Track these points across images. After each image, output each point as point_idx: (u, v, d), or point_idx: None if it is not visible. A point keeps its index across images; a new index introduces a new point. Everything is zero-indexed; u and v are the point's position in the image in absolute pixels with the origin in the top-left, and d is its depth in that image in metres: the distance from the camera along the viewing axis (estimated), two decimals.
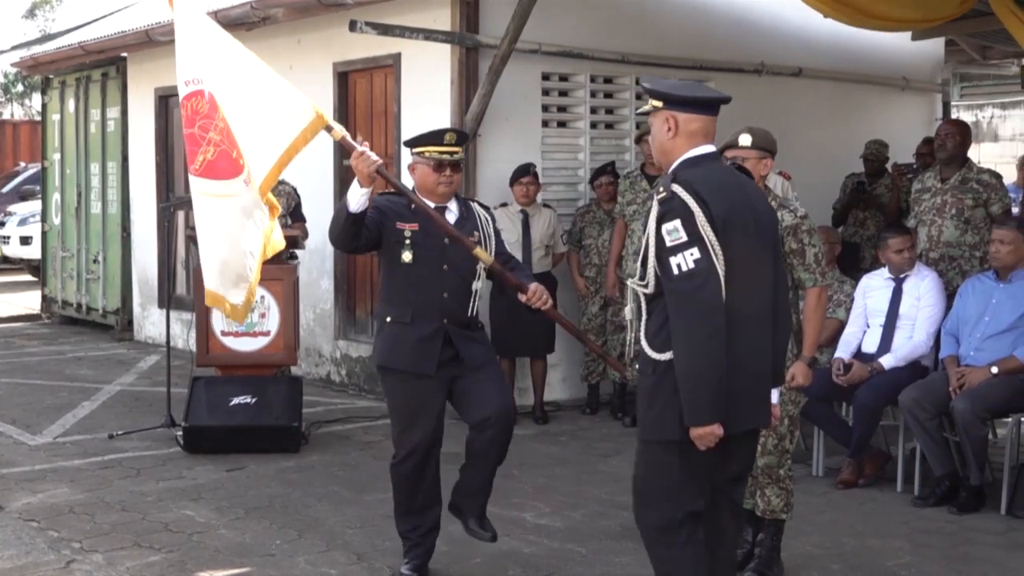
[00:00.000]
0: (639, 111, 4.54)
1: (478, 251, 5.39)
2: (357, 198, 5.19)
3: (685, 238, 4.03)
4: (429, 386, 5.43)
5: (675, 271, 4.05)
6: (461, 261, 5.47)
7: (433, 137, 5.47)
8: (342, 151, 10.46)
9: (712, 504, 4.40)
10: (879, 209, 10.41)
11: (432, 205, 5.42)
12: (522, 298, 5.40)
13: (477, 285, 5.56)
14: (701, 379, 4.02)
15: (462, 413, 5.53)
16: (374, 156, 5.15)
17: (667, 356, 4.11)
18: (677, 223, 4.05)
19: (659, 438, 4.22)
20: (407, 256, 5.39)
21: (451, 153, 5.43)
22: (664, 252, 4.08)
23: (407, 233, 5.39)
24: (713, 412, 4.05)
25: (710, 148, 4.29)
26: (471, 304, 5.55)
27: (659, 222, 4.10)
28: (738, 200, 4.19)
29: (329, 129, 5.20)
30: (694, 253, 4.02)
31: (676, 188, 4.09)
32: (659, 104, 4.28)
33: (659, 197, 4.15)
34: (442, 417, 5.53)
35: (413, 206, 5.37)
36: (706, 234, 4.03)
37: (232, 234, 5.40)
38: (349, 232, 5.32)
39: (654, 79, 4.56)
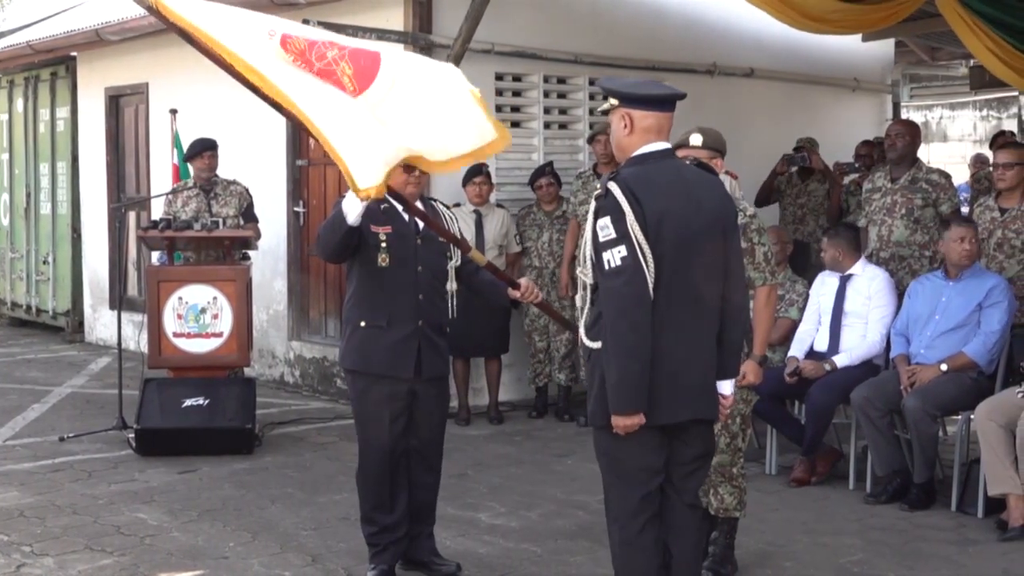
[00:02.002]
0: (600, 109, 4.63)
1: (474, 253, 5.41)
2: (355, 211, 5.15)
3: (614, 235, 4.19)
4: (400, 389, 5.42)
5: (606, 266, 4.21)
6: (434, 262, 5.48)
7: None
8: (295, 151, 10.51)
9: (666, 501, 4.48)
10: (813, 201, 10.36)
11: (400, 206, 5.38)
12: (515, 294, 5.44)
13: (451, 286, 5.56)
14: (623, 370, 4.18)
15: (408, 438, 5.59)
16: None
17: (598, 345, 4.28)
18: (608, 220, 4.21)
19: (595, 424, 4.39)
20: (383, 259, 5.35)
21: None
22: (598, 247, 4.24)
23: (382, 236, 5.36)
24: (632, 402, 4.20)
25: (662, 145, 4.40)
26: (446, 306, 5.57)
27: (595, 217, 4.26)
28: (678, 197, 4.29)
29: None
30: (621, 251, 4.17)
31: (611, 186, 4.23)
32: (615, 102, 4.40)
33: (596, 193, 4.32)
34: (406, 422, 5.50)
35: (384, 206, 5.35)
36: (634, 233, 4.17)
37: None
38: (345, 244, 5.28)
39: (611, 78, 4.66)
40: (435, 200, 5.75)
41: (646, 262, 4.18)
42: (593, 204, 4.30)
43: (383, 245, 5.36)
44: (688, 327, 4.30)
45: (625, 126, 4.38)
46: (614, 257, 4.18)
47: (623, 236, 4.17)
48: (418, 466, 5.61)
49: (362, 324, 5.44)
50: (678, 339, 4.27)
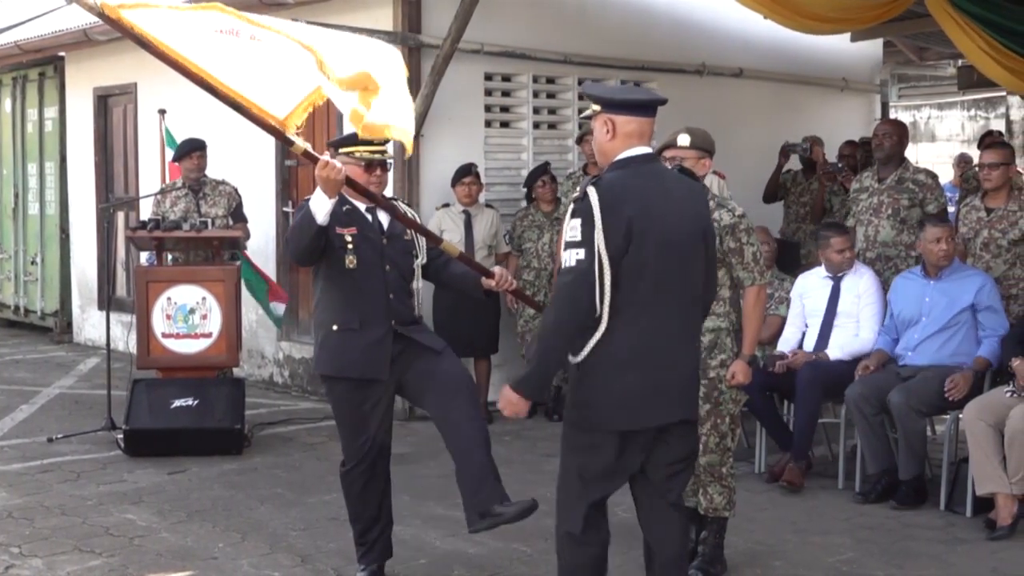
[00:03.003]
0: (582, 115, 4.68)
1: (446, 244, 5.40)
2: (324, 209, 5.10)
3: (579, 238, 4.23)
4: (378, 390, 5.38)
5: (563, 263, 4.29)
6: (401, 260, 5.46)
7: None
8: (283, 151, 10.49)
9: (648, 501, 4.51)
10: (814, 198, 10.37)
11: (362, 207, 5.38)
12: (490, 283, 5.41)
13: (417, 284, 5.55)
14: (539, 362, 4.30)
15: (427, 399, 5.40)
16: (339, 164, 5.05)
17: (579, 358, 4.31)
18: (578, 223, 4.25)
19: (573, 423, 4.44)
20: (351, 261, 5.30)
21: (381, 152, 5.39)
22: (565, 244, 4.30)
23: (348, 238, 5.32)
24: (534, 392, 4.35)
25: (644, 149, 4.42)
26: (414, 304, 5.54)
27: (569, 217, 4.31)
28: (660, 203, 4.33)
29: (290, 143, 4.96)
30: (580, 253, 4.22)
31: (590, 191, 4.27)
32: (598, 108, 4.43)
33: (574, 196, 4.38)
34: (391, 417, 5.49)
35: (346, 208, 5.33)
36: (597, 242, 4.20)
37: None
38: (315, 245, 5.20)
39: (594, 84, 4.71)
40: (396, 199, 5.68)
41: (601, 274, 4.21)
42: (571, 205, 4.34)
43: (349, 246, 5.31)
44: (671, 330, 4.34)
45: (607, 131, 4.40)
46: (571, 257, 4.24)
47: (586, 242, 4.21)
48: (455, 432, 5.29)
49: (334, 328, 5.37)
50: (662, 342, 4.31)
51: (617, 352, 4.26)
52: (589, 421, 4.35)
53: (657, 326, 4.29)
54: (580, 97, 10.21)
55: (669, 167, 4.76)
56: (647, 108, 4.43)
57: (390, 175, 5.71)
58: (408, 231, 5.46)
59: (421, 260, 5.55)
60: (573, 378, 4.44)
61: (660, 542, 4.52)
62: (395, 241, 5.45)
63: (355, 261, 5.31)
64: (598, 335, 4.27)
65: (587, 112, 4.53)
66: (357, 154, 5.35)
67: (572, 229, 4.25)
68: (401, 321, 5.41)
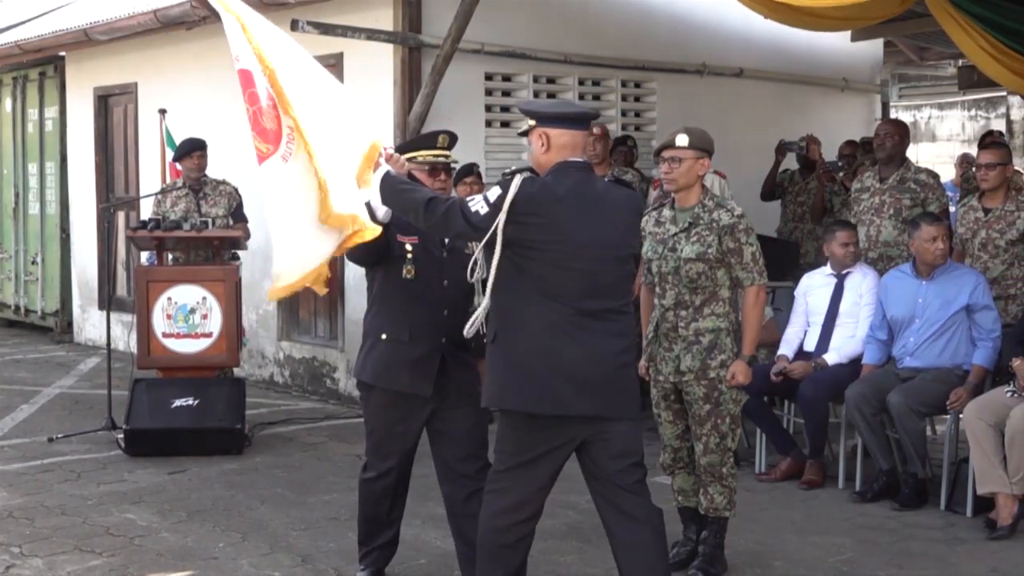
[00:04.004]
0: (519, 132, 4.78)
1: None
2: (383, 207, 4.92)
3: (492, 200, 4.42)
4: (417, 406, 5.24)
5: (468, 200, 4.51)
6: (461, 276, 5.07)
7: (426, 140, 5.31)
8: None
9: (604, 490, 4.61)
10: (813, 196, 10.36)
11: None
12: None
13: (479, 300, 5.25)
14: (399, 195, 4.66)
15: (438, 448, 5.33)
16: (401, 157, 4.96)
17: (467, 332, 4.69)
18: (498, 192, 4.43)
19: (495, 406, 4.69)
20: (409, 271, 5.16)
21: (445, 156, 5.28)
22: (481, 196, 4.51)
23: (408, 247, 5.17)
24: (381, 189, 4.68)
25: (579, 160, 4.62)
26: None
27: (494, 185, 4.54)
28: (583, 209, 4.48)
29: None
30: (484, 208, 4.42)
31: (517, 178, 4.43)
32: (533, 122, 4.63)
33: (504, 171, 4.52)
34: (419, 435, 5.36)
35: None
36: (500, 216, 4.38)
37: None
38: (374, 245, 4.94)
39: (528, 101, 4.86)
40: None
41: (491, 250, 4.41)
42: (500, 179, 4.45)
43: (409, 256, 5.17)
44: (587, 329, 4.47)
45: (543, 144, 4.57)
46: (477, 203, 4.44)
47: (495, 208, 4.38)
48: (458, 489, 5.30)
49: (383, 337, 5.23)
50: (576, 340, 4.44)
51: (528, 341, 4.48)
52: (499, 401, 4.58)
53: (572, 324, 4.44)
54: (580, 97, 10.22)
55: (604, 179, 4.92)
56: (580, 121, 4.63)
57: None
58: (469, 245, 5.18)
59: (480, 274, 5.06)
60: (488, 359, 4.67)
61: (626, 526, 4.57)
62: (456, 255, 5.22)
63: (413, 271, 5.17)
64: (480, 311, 4.62)
65: (523, 128, 4.68)
66: (420, 158, 5.23)
67: (491, 192, 4.44)
68: (452, 340, 5.21)
